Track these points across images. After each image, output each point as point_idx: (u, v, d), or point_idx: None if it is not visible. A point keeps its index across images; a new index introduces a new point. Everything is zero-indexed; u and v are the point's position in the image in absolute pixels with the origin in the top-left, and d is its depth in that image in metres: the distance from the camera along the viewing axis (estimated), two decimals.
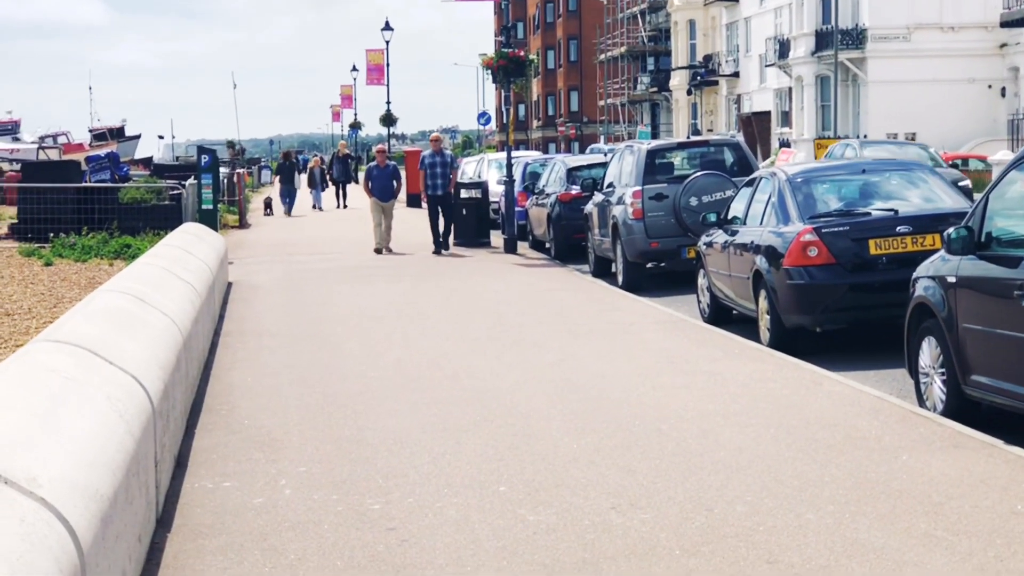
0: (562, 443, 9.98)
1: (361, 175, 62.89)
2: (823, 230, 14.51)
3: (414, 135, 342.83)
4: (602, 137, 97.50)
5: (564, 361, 13.89)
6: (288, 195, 49.34)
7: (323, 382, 13.01)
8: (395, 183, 29.82)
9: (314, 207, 51.13)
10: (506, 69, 28.85)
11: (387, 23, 68.39)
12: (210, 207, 30.68)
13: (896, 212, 14.80)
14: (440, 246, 28.28)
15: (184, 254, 16.45)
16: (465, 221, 30.24)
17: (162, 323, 10.40)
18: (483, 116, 78.59)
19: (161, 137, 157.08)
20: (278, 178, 52.63)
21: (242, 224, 42.20)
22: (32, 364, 7.07)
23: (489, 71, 29.56)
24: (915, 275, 11.42)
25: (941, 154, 52.27)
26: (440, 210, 28.61)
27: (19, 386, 6.46)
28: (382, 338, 16.13)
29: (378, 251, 28.66)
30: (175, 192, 32.45)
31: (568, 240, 27.63)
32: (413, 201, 47.10)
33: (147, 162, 72.75)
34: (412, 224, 35.35)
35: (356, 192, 52.13)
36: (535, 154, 46.02)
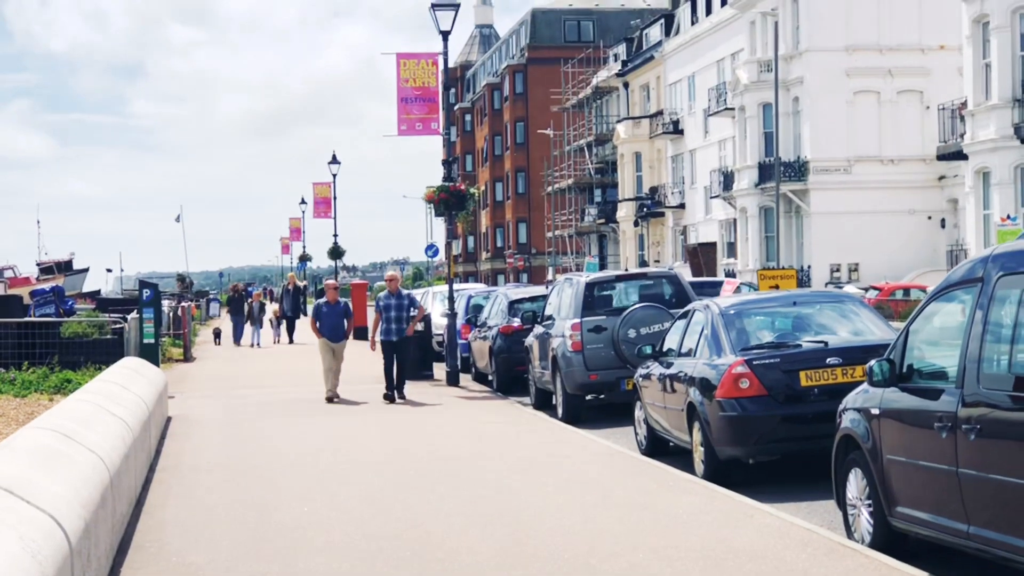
0: None
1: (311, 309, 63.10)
2: (755, 362, 14.62)
3: (365, 267, 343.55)
4: (550, 268, 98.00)
5: (499, 495, 13.87)
6: (238, 327, 50.05)
7: (254, 518, 12.94)
8: (346, 322, 26.50)
9: (252, 344, 49.13)
10: (447, 202, 29.04)
11: (334, 156, 68.83)
12: (151, 341, 30.57)
13: (826, 344, 14.95)
14: (395, 392, 25.36)
15: (120, 389, 16.38)
16: (426, 352, 30.40)
17: (88, 460, 10.35)
18: (431, 248, 78.79)
19: (110, 270, 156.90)
20: (227, 310, 53.10)
21: (187, 357, 42.05)
22: None
23: (431, 204, 29.73)
24: (841, 407, 11.53)
25: (883, 284, 52.86)
26: (395, 356, 25.62)
27: None
28: (318, 473, 16.07)
29: (330, 399, 25.55)
30: (117, 326, 32.35)
31: (510, 372, 27.68)
32: (360, 334, 47.07)
33: (94, 295, 72.57)
34: (359, 360, 35.33)
35: (304, 326, 52.06)
36: (479, 286, 46.20)
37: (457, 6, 29.40)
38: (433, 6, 29.40)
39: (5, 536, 6.78)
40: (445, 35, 29.63)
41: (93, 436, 11.49)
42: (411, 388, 27.33)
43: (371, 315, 27.18)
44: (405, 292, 26.83)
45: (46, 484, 8.49)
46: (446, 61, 30.77)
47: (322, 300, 26.98)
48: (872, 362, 10.68)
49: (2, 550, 6.51)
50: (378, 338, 25.92)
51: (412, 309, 25.99)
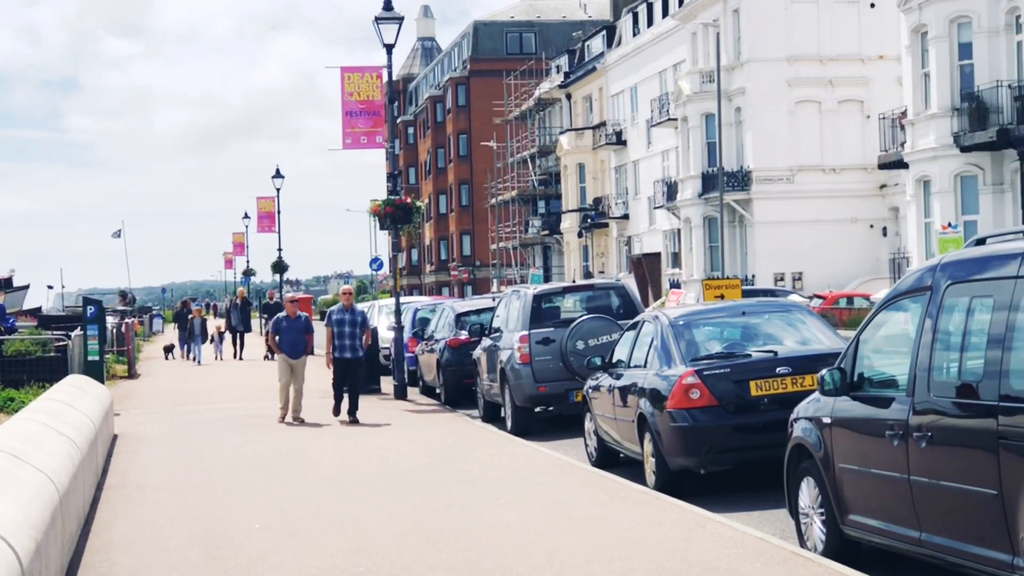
0: None
1: (257, 323, 62.59)
2: (705, 372, 14.65)
3: (308, 280, 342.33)
4: (494, 280, 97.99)
5: (450, 508, 13.84)
6: (186, 342, 50.05)
7: (205, 536, 12.85)
8: (307, 337, 25.18)
9: (191, 359, 48.47)
10: (393, 216, 28.97)
11: (277, 171, 68.51)
12: (96, 358, 30.35)
13: (776, 353, 15.00)
14: (348, 412, 24.06)
15: (66, 407, 16.24)
16: (375, 365, 30.32)
17: (37, 480, 10.25)
18: (375, 262, 78.61)
19: (51, 287, 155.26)
20: (175, 326, 52.98)
21: (131, 374, 41.75)
22: None
23: (377, 218, 29.65)
24: (793, 416, 11.57)
25: (827, 292, 53.14)
26: (348, 374, 24.41)
27: None
28: (268, 489, 15.98)
29: (282, 419, 24.43)
30: (61, 344, 32.08)
31: (458, 385, 27.63)
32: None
33: (35, 312, 71.86)
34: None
35: (252, 341, 51.78)
36: (425, 299, 46.11)
37: (401, 19, 29.37)
38: (377, 19, 29.35)
39: None
40: (389, 48, 29.58)
41: (41, 456, 11.39)
42: (359, 402, 27.22)
43: (321, 330, 25.80)
44: (359, 308, 25.76)
45: None
46: (390, 74, 30.71)
47: (282, 314, 25.61)
48: (823, 371, 10.72)
49: None
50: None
51: (365, 325, 24.97)
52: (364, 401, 25.36)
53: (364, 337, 24.92)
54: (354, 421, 23.89)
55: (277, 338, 25.14)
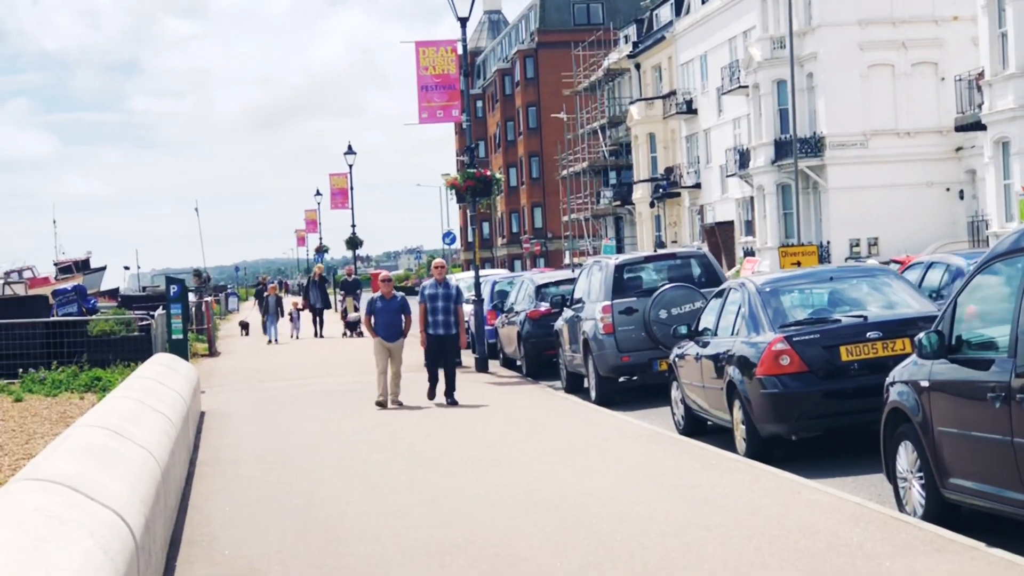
0: (545, 562, 9.95)
1: (335, 299, 62.56)
2: (794, 338, 14.60)
3: (379, 256, 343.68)
4: (567, 252, 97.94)
5: (542, 479, 13.87)
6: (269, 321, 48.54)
7: (301, 509, 12.96)
8: (404, 318, 23.37)
9: (269, 340, 47.02)
10: (474, 189, 29.03)
11: (349, 147, 68.82)
12: (180, 337, 30.60)
13: (865, 318, 14.92)
14: (445, 394, 22.75)
15: (157, 385, 16.42)
16: (457, 352, 30.31)
17: (140, 456, 10.37)
18: (448, 236, 78.87)
19: (127, 268, 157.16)
20: (256, 303, 53.06)
21: (212, 352, 42.13)
22: (13, 503, 7.05)
23: (455, 191, 29.71)
24: (888, 380, 11.49)
25: (904, 257, 52.70)
26: (443, 353, 23.08)
27: (2, 526, 6.43)
28: (358, 463, 16.09)
29: (381, 404, 22.68)
30: (144, 323, 32.41)
31: (539, 357, 27.69)
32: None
33: (113, 293, 72.65)
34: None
35: (331, 319, 51.90)
36: (502, 272, 46.17)
37: None
38: None
39: (76, 533, 6.80)
40: (463, 21, 29.58)
41: (141, 432, 11.53)
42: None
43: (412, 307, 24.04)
44: (452, 282, 24.07)
45: (106, 481, 8.52)
46: (465, 47, 30.74)
47: (376, 295, 23.84)
48: (921, 334, 10.64)
49: (76, 546, 6.53)
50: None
51: (459, 300, 23.44)
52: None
53: (459, 313, 23.39)
54: (452, 403, 22.47)
55: (372, 320, 23.34)
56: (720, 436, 16.70)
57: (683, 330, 17.89)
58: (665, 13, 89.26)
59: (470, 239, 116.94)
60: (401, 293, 24.04)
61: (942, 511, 10.68)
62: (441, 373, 23.09)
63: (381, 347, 23.04)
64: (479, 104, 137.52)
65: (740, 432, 15.34)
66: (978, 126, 48.41)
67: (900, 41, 61.62)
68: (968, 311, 10.43)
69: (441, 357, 23.07)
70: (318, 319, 49.74)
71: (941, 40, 61.59)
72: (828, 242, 60.74)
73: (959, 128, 53.55)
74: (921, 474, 10.88)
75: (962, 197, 61.22)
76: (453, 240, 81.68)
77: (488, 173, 29.27)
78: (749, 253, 65.80)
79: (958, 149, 60.89)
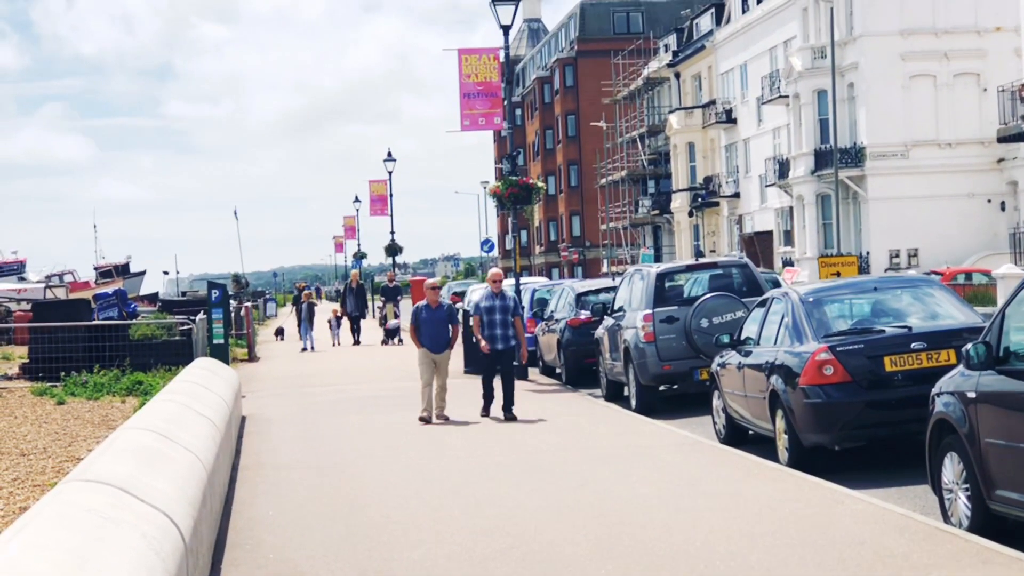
0: (590, 569, 9.97)
1: (373, 306, 62.54)
2: (838, 348, 14.57)
3: (415, 263, 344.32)
4: (605, 261, 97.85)
5: (585, 486, 13.88)
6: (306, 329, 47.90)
7: (345, 514, 13.00)
8: (451, 328, 21.97)
9: (304, 348, 46.40)
10: (516, 196, 29.07)
11: (389, 153, 68.94)
12: (221, 341, 30.77)
13: (910, 329, 14.88)
14: (503, 409, 21.44)
15: (201, 389, 16.51)
16: (475, 348, 30.26)
17: (186, 459, 10.44)
18: (487, 243, 78.97)
19: (166, 272, 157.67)
20: (294, 310, 53.01)
21: (251, 357, 42.30)
22: (67, 504, 7.11)
23: (496, 199, 29.75)
24: (934, 391, 11.46)
25: (944, 269, 52.41)
26: (500, 367, 21.73)
27: (56, 527, 6.49)
28: (400, 468, 16.13)
29: (425, 420, 21.31)
30: (185, 327, 32.57)
31: (579, 365, 27.70)
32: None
33: (152, 298, 73.01)
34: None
35: (369, 326, 51.79)
36: (542, 280, 46.17)
37: (518, 0, 29.46)
38: (493, 1, 29.43)
39: (128, 534, 6.85)
40: (506, 29, 29.69)
41: (186, 435, 11.60)
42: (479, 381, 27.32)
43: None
44: (509, 293, 22.64)
45: (154, 483, 8.58)
46: (507, 55, 30.82)
47: (422, 303, 22.36)
48: (968, 345, 10.62)
49: (128, 547, 6.59)
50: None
51: (517, 311, 22.17)
52: (477, 380, 24.98)
53: (516, 326, 21.98)
54: (511, 418, 21.16)
55: (417, 331, 21.97)
56: (762, 446, 16.67)
57: (725, 339, 17.88)
58: (705, 22, 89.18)
59: (508, 247, 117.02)
60: (448, 301, 23.03)
61: (988, 522, 10.65)
62: (498, 387, 21.86)
63: (427, 358, 21.75)
64: (518, 112, 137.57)
65: (782, 442, 15.31)
66: (1020, 137, 48.23)
67: (942, 51, 61.46)
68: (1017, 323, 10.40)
69: (497, 371, 21.77)
70: (355, 326, 49.27)
71: (984, 51, 61.41)
72: (867, 253, 60.58)
73: (1001, 139, 53.33)
74: (967, 485, 10.84)
75: (1003, 208, 60.98)
76: (491, 248, 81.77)
77: (530, 181, 29.32)
78: (788, 263, 65.64)
79: (1000, 160, 60.66)
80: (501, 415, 21.40)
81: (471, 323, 22.55)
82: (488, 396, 21.89)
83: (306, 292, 51.47)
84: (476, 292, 38.16)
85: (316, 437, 20.06)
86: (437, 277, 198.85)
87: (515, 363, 22.55)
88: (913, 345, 14.49)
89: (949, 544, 10.14)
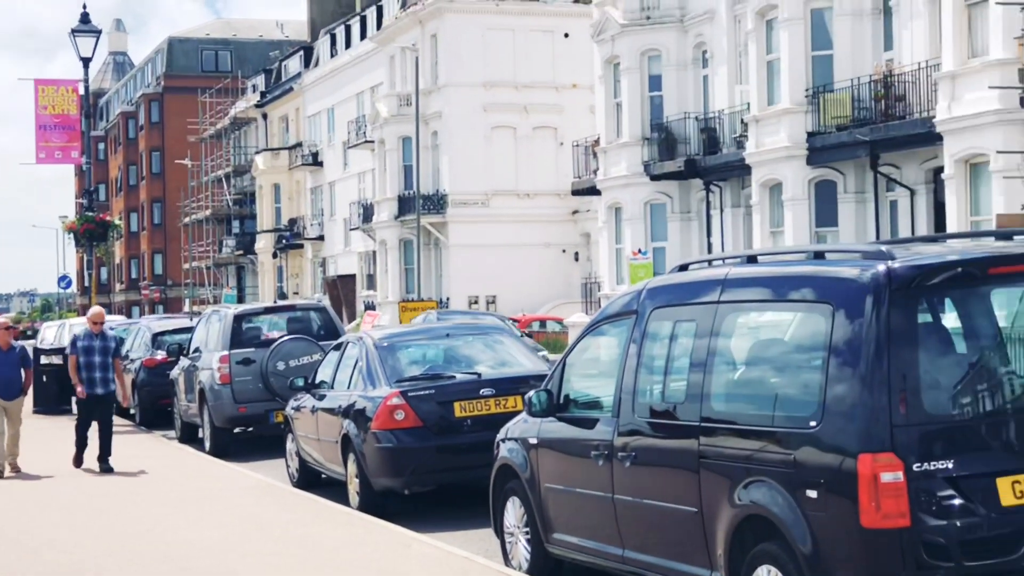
0: None
1: None
2: (410, 393, 14.78)
3: None
4: (187, 300, 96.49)
5: (152, 530, 13.63)
6: None
7: None
8: (23, 372, 19.77)
9: None
10: (92, 233, 28.38)
11: None
12: None
13: (479, 375, 15.24)
14: (98, 460, 19.52)
15: None
16: (47, 387, 29.33)
17: None
18: (64, 279, 76.72)
19: None
20: None
21: None
22: None
23: (73, 235, 28.98)
24: (499, 437, 11.76)
25: (520, 316, 54.00)
26: (95, 415, 19.78)
27: None
28: None
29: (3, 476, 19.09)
30: None
31: (154, 405, 27.27)
32: None
33: None
34: None
35: None
36: (119, 318, 45.10)
37: (98, 32, 28.94)
38: (73, 31, 28.73)
39: None
40: (86, 62, 28.98)
41: None
42: (49, 422, 26.47)
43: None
44: (111, 333, 20.73)
45: None
46: (87, 88, 30.12)
47: None
48: (531, 392, 10.95)
49: None
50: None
51: (119, 353, 20.77)
52: (55, 421, 24.49)
53: (116, 368, 20.19)
54: (106, 470, 19.36)
55: None
56: (335, 489, 16.72)
57: (300, 382, 17.89)
58: (294, 65, 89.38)
59: (87, 284, 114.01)
60: (20, 343, 20.54)
61: (546, 565, 10.98)
62: (94, 435, 19.81)
63: None
64: (101, 146, 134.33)
65: (354, 486, 15.41)
66: (593, 191, 50.06)
67: (523, 105, 63.33)
68: (575, 371, 10.80)
69: (95, 418, 19.76)
70: None
71: (561, 106, 63.60)
72: (448, 298, 61.70)
73: (575, 192, 55.27)
74: (527, 529, 11.15)
75: (577, 259, 63.22)
76: (69, 284, 79.58)
77: (107, 218, 28.69)
78: (370, 307, 66.23)
79: (574, 212, 62.89)
80: (96, 466, 19.51)
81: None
82: (81, 444, 19.97)
83: None
84: (50, 330, 36.90)
85: None
86: (11, 313, 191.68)
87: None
88: (482, 391, 14.84)
89: None
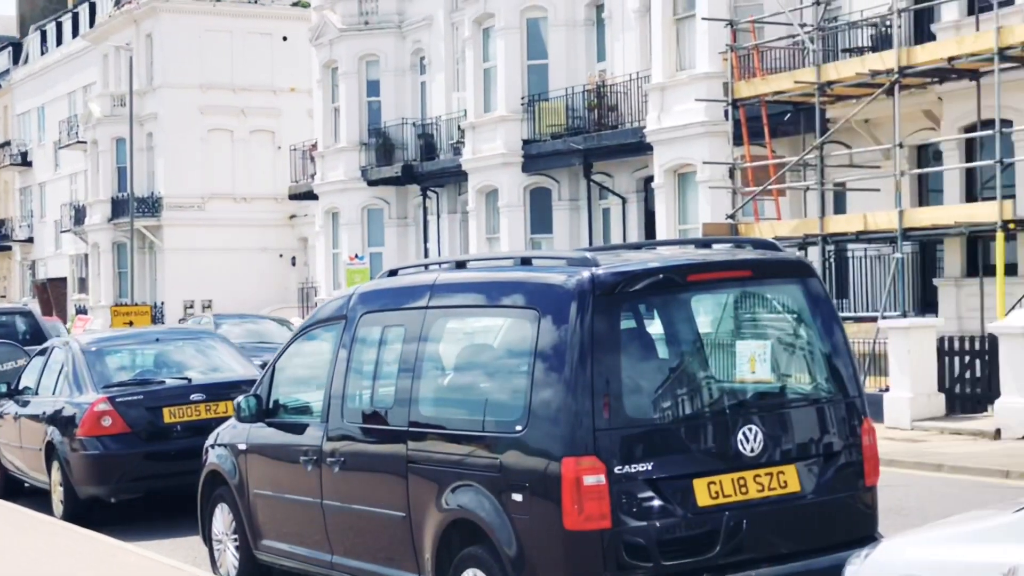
0: None
1: None
2: (117, 399, 14.51)
3: None
4: None
5: None
6: None
7: None
8: None
9: None
10: None
11: None
12: None
13: (190, 380, 15.03)
14: None
15: None
16: None
17: None
18: None
19: None
20: None
21: None
22: None
23: None
24: (208, 443, 11.61)
25: None
26: None
27: None
28: None
29: None
30: None
31: None
32: None
33: None
34: None
35: None
36: None
37: None
38: None
39: None
40: None
41: None
42: None
43: None
44: None
45: None
46: None
47: None
48: (239, 398, 10.84)
49: None
50: None
51: None
52: None
53: None
54: None
55: None
56: (39, 498, 16.27)
57: (2, 388, 17.34)
58: (2, 61, 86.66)
59: None
60: None
61: (254, 572, 10.89)
62: None
63: None
64: None
65: (58, 494, 15.03)
66: (311, 196, 49.85)
67: (240, 107, 62.66)
68: (285, 376, 10.73)
69: None
70: None
71: (279, 109, 63.15)
72: (163, 303, 60.69)
73: (293, 197, 54.94)
74: (236, 536, 11.03)
75: (294, 263, 62.84)
76: None
77: None
78: (82, 311, 64.65)
79: (292, 217, 62.50)
80: None
81: None
82: None
83: None
84: None
85: None
86: None
87: None
88: (192, 396, 14.65)
89: None
